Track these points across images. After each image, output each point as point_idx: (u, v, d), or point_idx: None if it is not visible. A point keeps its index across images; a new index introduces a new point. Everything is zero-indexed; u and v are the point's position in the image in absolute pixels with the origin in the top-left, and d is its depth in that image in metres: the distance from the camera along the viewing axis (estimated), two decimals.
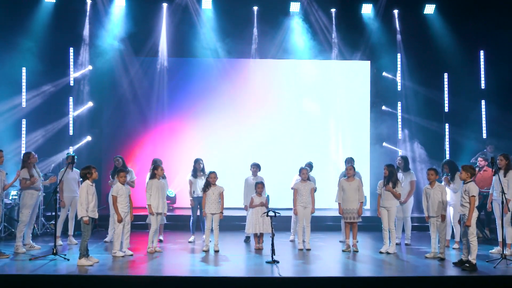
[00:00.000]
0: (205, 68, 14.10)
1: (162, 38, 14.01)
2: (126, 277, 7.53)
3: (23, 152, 13.00)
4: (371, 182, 13.61)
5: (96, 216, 8.40)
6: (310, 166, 10.63)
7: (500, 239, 9.08)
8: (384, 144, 14.24)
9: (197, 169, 10.43)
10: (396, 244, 9.47)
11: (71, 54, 13.80)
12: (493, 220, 10.46)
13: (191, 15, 13.90)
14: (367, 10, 14.09)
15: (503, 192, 8.48)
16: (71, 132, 13.74)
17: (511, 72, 13.67)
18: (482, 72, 14.37)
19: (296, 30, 14.08)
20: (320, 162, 12.87)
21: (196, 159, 10.56)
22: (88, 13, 13.74)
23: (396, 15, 14.26)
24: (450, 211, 9.62)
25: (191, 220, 10.51)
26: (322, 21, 14.18)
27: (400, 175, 10.13)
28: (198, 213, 10.36)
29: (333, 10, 14.19)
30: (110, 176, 10.46)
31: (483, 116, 14.29)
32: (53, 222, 11.25)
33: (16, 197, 10.86)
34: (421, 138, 14.11)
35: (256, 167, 10.51)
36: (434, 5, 13.94)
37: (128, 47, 13.72)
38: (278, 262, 8.23)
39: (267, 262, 8.29)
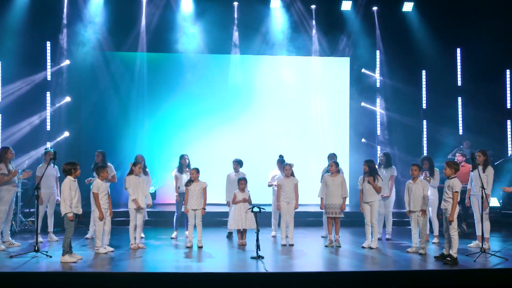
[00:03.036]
0: (185, 64, 13.97)
1: (142, 33, 13.86)
2: (111, 273, 7.45)
3: None
4: (350, 178, 13.70)
5: (80, 211, 8.28)
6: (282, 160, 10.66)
7: (479, 233, 9.28)
8: (363, 140, 14.38)
9: (183, 164, 10.38)
10: (378, 239, 9.59)
11: (48, 48, 13.55)
12: (470, 215, 10.71)
13: (171, 9, 13.78)
14: (346, 7, 14.17)
15: (483, 187, 8.66)
16: (48, 128, 13.52)
17: (487, 69, 14.01)
18: (459, 69, 14.63)
19: (277, 26, 14.09)
20: (301, 157, 12.96)
21: (182, 155, 10.51)
22: (65, 6, 13.49)
23: (375, 12, 14.37)
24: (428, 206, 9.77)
25: (175, 216, 10.46)
26: (303, 17, 14.22)
27: (382, 171, 10.26)
28: (183, 209, 10.31)
29: (313, 6, 14.24)
30: (94, 172, 10.27)
31: (460, 112, 14.56)
32: (31, 219, 11.15)
33: None
34: (399, 134, 14.30)
35: (237, 164, 10.51)
36: (413, 3, 14.11)
37: (109, 42, 13.56)
38: (263, 257, 8.25)
39: (252, 258, 8.31)
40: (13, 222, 10.09)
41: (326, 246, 9.58)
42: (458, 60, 14.62)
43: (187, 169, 10.36)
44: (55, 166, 10.04)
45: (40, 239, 9.25)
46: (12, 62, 12.91)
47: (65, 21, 13.52)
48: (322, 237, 10.62)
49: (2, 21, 12.84)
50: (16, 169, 9.23)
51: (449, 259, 8.06)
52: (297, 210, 9.81)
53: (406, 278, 7.51)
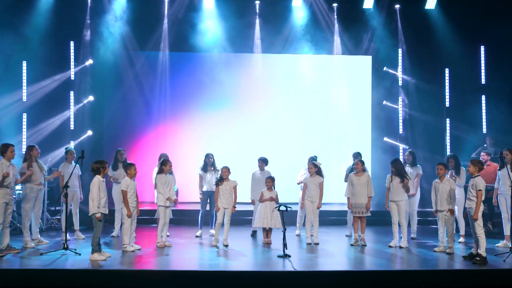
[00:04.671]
0: (208, 63, 13.98)
1: (165, 32, 13.93)
2: (138, 271, 7.53)
3: (24, 146, 12.91)
4: (372, 177, 13.62)
5: (107, 211, 8.35)
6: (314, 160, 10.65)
7: (507, 233, 9.21)
8: (385, 139, 14.31)
9: (207, 163, 10.40)
10: (400, 237, 9.50)
11: (72, 47, 13.67)
12: (497, 214, 10.60)
13: (193, 9, 13.83)
14: (369, 5, 14.09)
15: None
16: (72, 127, 13.64)
17: (511, 67, 13.82)
18: (483, 67, 14.46)
19: (299, 24, 14.06)
20: (323, 156, 12.87)
21: (207, 154, 10.52)
22: (89, 6, 13.61)
23: (398, 10, 14.27)
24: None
25: (199, 214, 10.50)
26: (325, 15, 14.18)
27: (408, 169, 10.20)
28: (207, 208, 10.35)
29: (335, 4, 14.20)
30: (111, 169, 10.37)
31: (483, 111, 14.40)
32: (57, 217, 11.29)
33: (21, 191, 10.75)
34: (421, 133, 14.21)
35: (262, 162, 10.52)
36: (435, 0, 13.99)
37: (132, 41, 13.66)
38: (290, 256, 8.25)
39: (279, 256, 8.31)
40: (40, 221, 10.21)
41: (351, 245, 9.55)
42: (482, 58, 14.45)
43: (212, 167, 10.39)
44: (77, 165, 10.10)
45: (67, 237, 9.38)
46: (36, 62, 13.05)
47: (88, 21, 13.64)
48: (347, 236, 10.59)
49: (27, 22, 12.96)
50: (59, 171, 9.53)
51: (478, 258, 7.98)
52: (320, 209, 9.77)
53: (435, 278, 7.47)
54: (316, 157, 10.67)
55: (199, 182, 10.39)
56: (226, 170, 9.46)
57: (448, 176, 9.70)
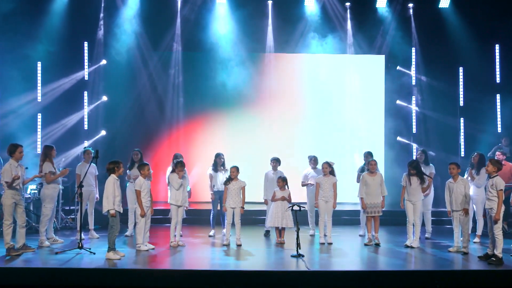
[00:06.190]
0: (221, 62, 13.96)
1: (178, 32, 13.98)
2: (152, 270, 7.54)
3: (38, 146, 13.03)
4: (385, 176, 13.57)
5: (121, 210, 8.40)
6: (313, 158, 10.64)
7: None
8: (398, 138, 14.24)
9: (218, 163, 10.40)
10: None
11: (86, 48, 13.77)
12: (511, 214, 10.51)
13: (206, 9, 13.87)
14: (382, 4, 14.05)
15: None
16: (86, 127, 13.73)
17: None
18: (497, 66, 14.31)
19: (311, 24, 14.03)
20: (335, 156, 12.84)
21: (217, 153, 10.52)
22: (102, 7, 13.71)
23: (411, 9, 14.20)
24: (472, 205, 9.61)
25: (211, 214, 10.52)
26: (339, 14, 14.14)
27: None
28: (219, 207, 10.36)
29: (347, 4, 14.16)
30: (128, 170, 10.46)
31: (498, 110, 14.25)
32: (71, 216, 11.40)
33: (36, 191, 10.87)
34: (435, 132, 14.11)
35: (275, 162, 10.52)
36: None
37: (145, 41, 13.73)
38: (303, 256, 8.23)
39: (292, 256, 8.30)
40: (55, 219, 10.30)
41: (365, 244, 9.52)
42: (497, 57, 14.30)
43: (222, 167, 10.40)
44: (94, 164, 10.19)
45: (82, 236, 9.45)
46: (51, 63, 13.16)
47: (102, 22, 13.73)
48: (360, 235, 10.55)
49: (41, 23, 13.08)
50: (67, 168, 9.56)
51: (493, 259, 7.92)
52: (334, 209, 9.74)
53: (450, 278, 7.40)
54: (315, 156, 10.63)
55: (210, 182, 10.40)
56: (235, 169, 9.46)
57: (467, 174, 9.63)
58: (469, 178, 9.62)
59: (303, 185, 10.62)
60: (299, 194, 10.83)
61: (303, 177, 10.66)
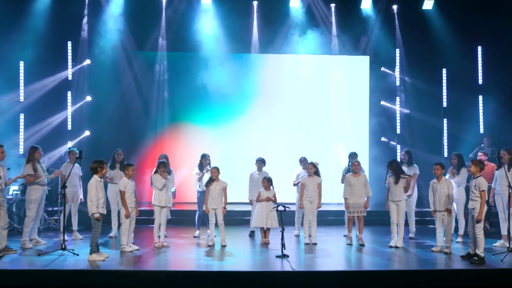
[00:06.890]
0: (205, 62, 13.92)
1: (163, 32, 13.94)
2: (136, 271, 7.51)
3: (21, 147, 12.90)
4: (369, 177, 13.65)
5: (105, 212, 8.33)
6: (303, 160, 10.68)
7: (504, 232, 9.23)
8: (382, 139, 14.34)
9: (203, 164, 10.37)
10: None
11: (69, 48, 13.65)
12: (493, 214, 10.63)
13: (191, 9, 13.86)
14: (366, 5, 14.15)
15: (509, 186, 8.58)
16: (69, 127, 13.62)
17: (508, 67, 13.88)
18: (480, 68, 14.51)
19: (296, 24, 14.08)
20: (320, 156, 12.89)
21: (203, 154, 10.48)
22: (86, 6, 13.60)
23: (395, 10, 14.32)
24: (454, 205, 9.70)
25: (196, 215, 10.49)
26: (323, 16, 14.20)
27: (404, 169, 10.20)
28: (204, 208, 10.32)
29: (332, 5, 14.23)
30: (109, 169, 10.34)
31: (480, 110, 14.44)
32: (55, 217, 11.26)
33: (18, 192, 10.75)
34: (419, 132, 14.23)
35: (261, 162, 10.51)
36: (433, 1, 14.05)
37: (130, 41, 13.68)
38: (288, 256, 8.25)
39: (277, 256, 8.31)
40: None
41: (348, 244, 9.56)
42: (479, 58, 14.50)
43: (208, 168, 10.38)
44: (79, 165, 10.09)
45: (65, 237, 9.36)
46: (34, 62, 13.03)
47: (86, 21, 13.63)
48: (345, 236, 10.58)
49: (24, 22, 12.95)
50: (39, 173, 9.18)
51: (475, 258, 8.00)
52: (319, 209, 9.78)
53: (434, 278, 7.48)
54: (306, 158, 10.68)
55: (195, 182, 10.37)
56: (216, 170, 9.44)
57: (449, 172, 9.72)
58: (449, 175, 9.71)
59: (294, 185, 10.63)
60: (284, 195, 10.81)
61: (295, 177, 10.67)
